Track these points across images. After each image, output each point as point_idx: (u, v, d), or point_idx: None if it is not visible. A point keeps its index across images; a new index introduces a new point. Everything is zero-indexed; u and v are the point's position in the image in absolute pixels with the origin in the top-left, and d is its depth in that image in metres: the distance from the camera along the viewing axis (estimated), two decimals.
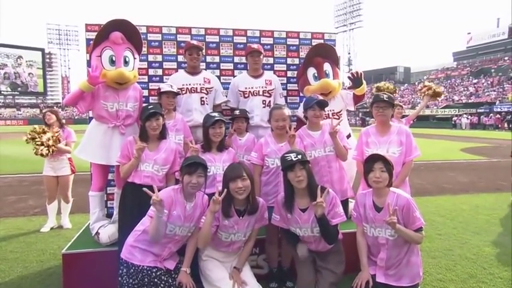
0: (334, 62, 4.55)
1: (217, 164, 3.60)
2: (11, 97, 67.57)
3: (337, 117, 4.29)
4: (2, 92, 65.74)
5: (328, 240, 3.03)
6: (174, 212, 2.92)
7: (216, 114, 3.68)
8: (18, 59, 66.27)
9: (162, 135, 3.53)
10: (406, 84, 70.70)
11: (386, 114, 3.62)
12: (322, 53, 4.50)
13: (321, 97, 3.78)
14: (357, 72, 4.29)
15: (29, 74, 67.09)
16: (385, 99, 3.58)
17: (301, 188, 2.99)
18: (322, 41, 5.12)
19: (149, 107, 3.46)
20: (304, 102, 3.89)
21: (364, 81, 4.30)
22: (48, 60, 72.10)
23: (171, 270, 3.00)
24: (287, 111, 3.69)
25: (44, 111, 6.09)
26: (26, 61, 66.89)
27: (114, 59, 3.80)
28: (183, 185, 2.98)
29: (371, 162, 2.94)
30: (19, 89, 67.08)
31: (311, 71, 4.47)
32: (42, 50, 70.54)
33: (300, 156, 2.97)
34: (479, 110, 45.47)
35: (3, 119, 59.75)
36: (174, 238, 3.02)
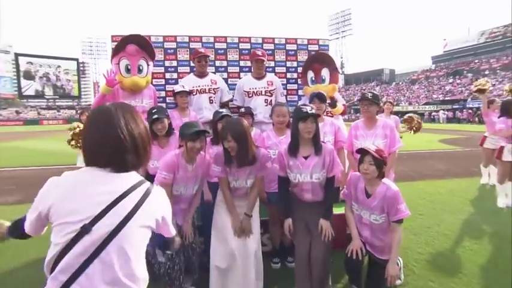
0: (332, 67, 4.45)
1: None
2: (53, 100, 68.19)
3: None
4: (45, 96, 66.43)
5: (328, 202, 2.99)
6: (178, 174, 2.89)
7: (223, 110, 3.65)
8: (58, 68, 66.81)
9: (169, 132, 3.47)
10: (393, 83, 70.41)
11: (371, 110, 3.55)
12: (320, 59, 4.45)
13: (321, 91, 3.74)
14: (331, 98, 4.26)
15: (67, 80, 67.63)
16: (369, 97, 3.51)
17: (308, 138, 2.91)
18: (317, 46, 5.06)
19: (153, 111, 3.38)
20: (309, 97, 3.82)
21: (339, 104, 4.40)
22: (82, 68, 72.54)
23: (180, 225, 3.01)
24: (286, 109, 3.61)
25: (79, 111, 6.17)
26: (64, 70, 67.43)
27: (129, 67, 3.86)
28: (187, 149, 2.88)
29: (362, 154, 2.84)
30: (59, 93, 67.75)
31: (310, 74, 4.47)
32: (76, 60, 71.04)
33: (313, 111, 2.89)
34: (454, 106, 45.29)
35: (46, 119, 60.29)
36: (182, 197, 2.99)
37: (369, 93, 3.58)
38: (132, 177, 1.28)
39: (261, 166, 3.02)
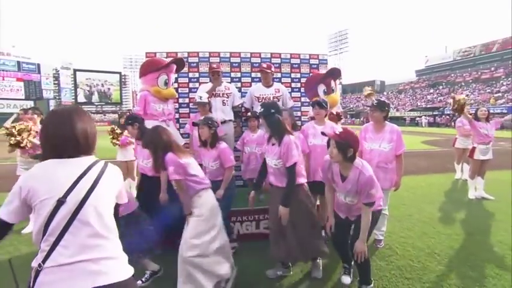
0: (336, 77, 4.33)
1: (205, 159, 3.36)
2: (100, 106, 69.29)
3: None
4: (95, 103, 67.68)
5: (286, 189, 2.74)
6: None
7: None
8: (105, 80, 67.88)
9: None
10: (385, 93, 69.52)
11: (375, 115, 3.41)
12: (333, 74, 4.30)
13: (322, 99, 3.62)
14: (338, 114, 4.20)
15: (108, 88, 68.62)
16: (374, 104, 3.42)
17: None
18: (317, 60, 5.01)
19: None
20: (311, 104, 3.71)
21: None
22: (123, 80, 73.38)
23: None
24: (287, 114, 3.52)
25: (119, 115, 6.34)
26: (109, 81, 68.42)
27: (167, 81, 3.97)
28: None
29: (329, 139, 2.54)
30: (105, 100, 68.86)
31: (321, 87, 4.19)
32: (119, 73, 71.82)
33: (262, 110, 2.87)
34: (434, 113, 44.68)
35: (95, 121, 60.56)
36: None
37: (376, 100, 3.48)
38: (88, 159, 1.39)
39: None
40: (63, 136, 1.33)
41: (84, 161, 1.37)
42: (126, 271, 1.36)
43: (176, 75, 4.58)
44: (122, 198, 1.54)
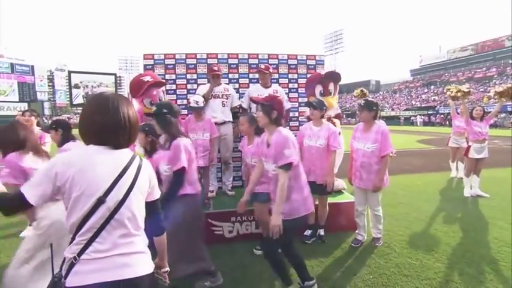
0: (337, 82, 4.43)
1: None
2: None
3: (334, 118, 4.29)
4: None
5: (170, 189, 2.47)
6: None
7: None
8: (100, 82, 67.47)
9: None
10: (380, 92, 69.88)
11: (363, 116, 3.42)
12: (330, 76, 4.39)
13: (318, 99, 3.68)
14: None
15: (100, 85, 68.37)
16: (362, 104, 3.45)
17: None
18: (314, 61, 5.06)
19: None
20: (306, 104, 3.76)
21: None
22: (118, 81, 72.98)
23: None
24: (245, 119, 3.27)
25: None
26: (104, 83, 67.99)
27: (152, 102, 3.87)
28: None
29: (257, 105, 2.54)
30: None
31: (318, 88, 4.37)
32: (114, 74, 71.19)
33: (154, 109, 2.64)
34: (429, 112, 45.04)
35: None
36: None
37: (363, 101, 3.50)
38: (127, 153, 1.37)
39: None
40: (109, 121, 1.30)
41: (123, 155, 1.35)
42: (151, 265, 1.42)
43: (174, 77, 4.62)
44: (153, 195, 1.50)
